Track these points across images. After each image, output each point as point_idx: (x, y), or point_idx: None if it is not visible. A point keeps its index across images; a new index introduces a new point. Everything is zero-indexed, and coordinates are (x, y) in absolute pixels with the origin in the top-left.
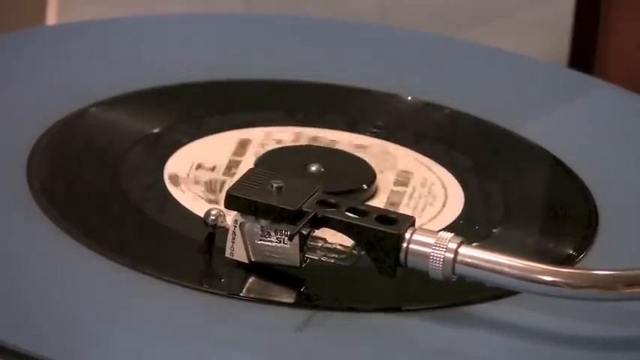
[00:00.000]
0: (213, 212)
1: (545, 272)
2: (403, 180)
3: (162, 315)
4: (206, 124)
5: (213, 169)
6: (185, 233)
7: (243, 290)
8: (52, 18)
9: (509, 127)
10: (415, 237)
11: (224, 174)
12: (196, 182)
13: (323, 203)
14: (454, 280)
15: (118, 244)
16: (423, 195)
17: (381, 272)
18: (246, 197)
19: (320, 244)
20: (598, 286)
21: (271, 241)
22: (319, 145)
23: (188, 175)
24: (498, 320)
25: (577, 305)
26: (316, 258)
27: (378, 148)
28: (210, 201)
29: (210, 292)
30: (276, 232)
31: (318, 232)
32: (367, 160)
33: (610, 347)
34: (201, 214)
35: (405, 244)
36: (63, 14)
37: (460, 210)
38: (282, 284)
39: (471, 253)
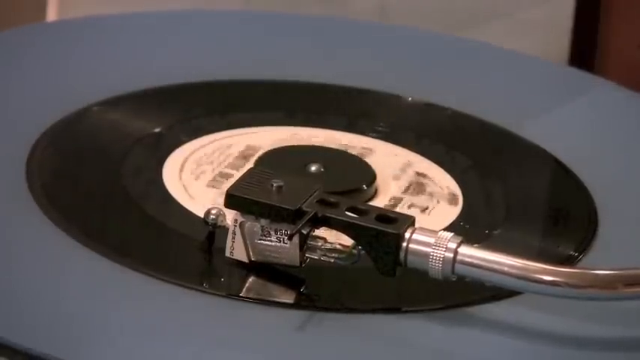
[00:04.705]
0: (214, 211)
1: (545, 272)
2: (403, 180)
3: (163, 315)
4: (206, 124)
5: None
6: (185, 233)
7: (243, 290)
8: (52, 16)
9: (509, 127)
10: (415, 236)
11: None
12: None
13: (323, 203)
14: (454, 279)
15: (119, 244)
16: (423, 195)
17: (381, 272)
18: (246, 196)
19: (320, 244)
20: (598, 285)
21: (271, 241)
22: (319, 145)
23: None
24: (498, 320)
25: (577, 305)
26: (316, 257)
27: (377, 148)
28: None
29: (210, 292)
30: (276, 231)
31: (318, 232)
32: (367, 160)
33: (610, 347)
34: (201, 214)
35: (404, 244)
36: (63, 12)
37: (460, 210)
38: (282, 284)
39: (470, 252)
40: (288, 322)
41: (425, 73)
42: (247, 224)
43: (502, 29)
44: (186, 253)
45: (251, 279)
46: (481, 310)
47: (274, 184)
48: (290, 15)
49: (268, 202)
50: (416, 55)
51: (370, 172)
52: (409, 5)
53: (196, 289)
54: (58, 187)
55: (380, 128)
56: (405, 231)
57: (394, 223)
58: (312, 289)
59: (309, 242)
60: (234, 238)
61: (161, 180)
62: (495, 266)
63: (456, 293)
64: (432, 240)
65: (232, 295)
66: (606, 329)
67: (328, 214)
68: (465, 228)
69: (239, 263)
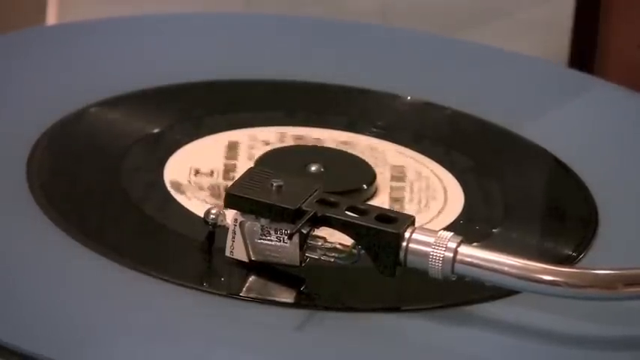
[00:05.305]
0: (214, 211)
1: (545, 271)
2: (403, 180)
3: (163, 315)
4: (206, 124)
5: (211, 173)
6: (185, 233)
7: (243, 290)
8: (52, 18)
9: (509, 127)
10: (415, 236)
11: (223, 178)
12: (200, 188)
13: (323, 202)
14: (453, 279)
15: (118, 244)
16: (423, 195)
17: (381, 271)
18: (246, 196)
19: (320, 243)
20: (598, 285)
21: (271, 240)
22: (319, 145)
23: (189, 181)
24: (498, 320)
25: (577, 305)
26: (316, 257)
27: (378, 148)
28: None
29: (210, 292)
30: (275, 231)
31: (317, 231)
32: (366, 160)
33: (610, 346)
34: (201, 214)
35: (404, 243)
36: (63, 14)
37: (460, 210)
38: (282, 284)
39: (470, 252)
40: (288, 322)
41: (425, 73)
42: (247, 224)
43: (502, 29)
44: (186, 253)
45: (251, 278)
46: (480, 309)
47: (274, 184)
48: (290, 16)
49: (268, 201)
50: (416, 55)
51: (370, 172)
52: (409, 5)
53: (196, 289)
54: (59, 187)
55: (379, 128)
56: (405, 230)
57: (394, 222)
58: (312, 288)
59: (309, 242)
60: (234, 237)
61: (161, 180)
62: (495, 266)
63: (456, 293)
64: (431, 240)
65: (232, 295)
66: (606, 329)
67: (328, 214)
68: (465, 227)
69: (239, 263)
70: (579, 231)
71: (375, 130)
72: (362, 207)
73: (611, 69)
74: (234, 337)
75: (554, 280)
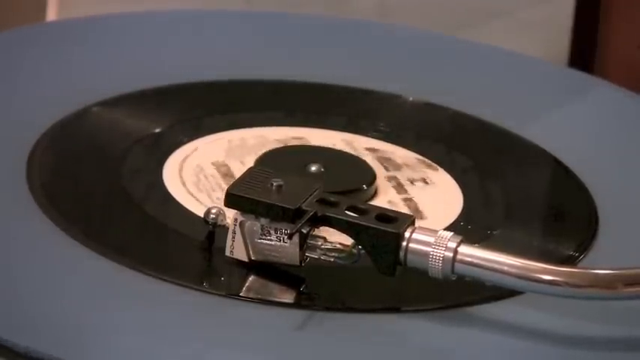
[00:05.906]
0: (214, 211)
1: (545, 271)
2: (403, 180)
3: (162, 315)
4: (206, 124)
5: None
6: (185, 233)
7: (243, 290)
8: (52, 16)
9: (509, 127)
10: (415, 236)
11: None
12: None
13: (323, 202)
14: (454, 279)
15: (119, 244)
16: (423, 195)
17: (381, 271)
18: (246, 196)
19: (320, 243)
20: (598, 285)
21: (271, 240)
22: (319, 145)
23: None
24: (498, 320)
25: (577, 305)
26: (316, 257)
27: (377, 148)
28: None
29: (210, 292)
30: (275, 230)
31: (317, 231)
32: (366, 160)
33: (610, 346)
34: (201, 214)
35: (404, 243)
36: (63, 12)
37: (460, 210)
38: (282, 283)
39: (470, 252)
40: (288, 322)
41: (425, 73)
42: (247, 223)
43: (502, 29)
44: (186, 253)
45: (251, 278)
46: (481, 309)
47: (274, 184)
48: (290, 15)
49: (268, 201)
50: (416, 55)
51: (370, 172)
52: (409, 4)
53: (196, 289)
54: (59, 187)
55: (380, 128)
56: (405, 230)
57: (394, 222)
58: (312, 288)
59: (308, 241)
60: (234, 237)
61: (161, 180)
62: (495, 266)
63: (456, 293)
64: (431, 239)
65: (232, 295)
66: (606, 329)
67: (328, 214)
68: (466, 228)
69: (239, 262)
70: (579, 231)
71: (375, 130)
72: (362, 207)
73: (611, 69)
74: (234, 337)
75: (554, 280)
